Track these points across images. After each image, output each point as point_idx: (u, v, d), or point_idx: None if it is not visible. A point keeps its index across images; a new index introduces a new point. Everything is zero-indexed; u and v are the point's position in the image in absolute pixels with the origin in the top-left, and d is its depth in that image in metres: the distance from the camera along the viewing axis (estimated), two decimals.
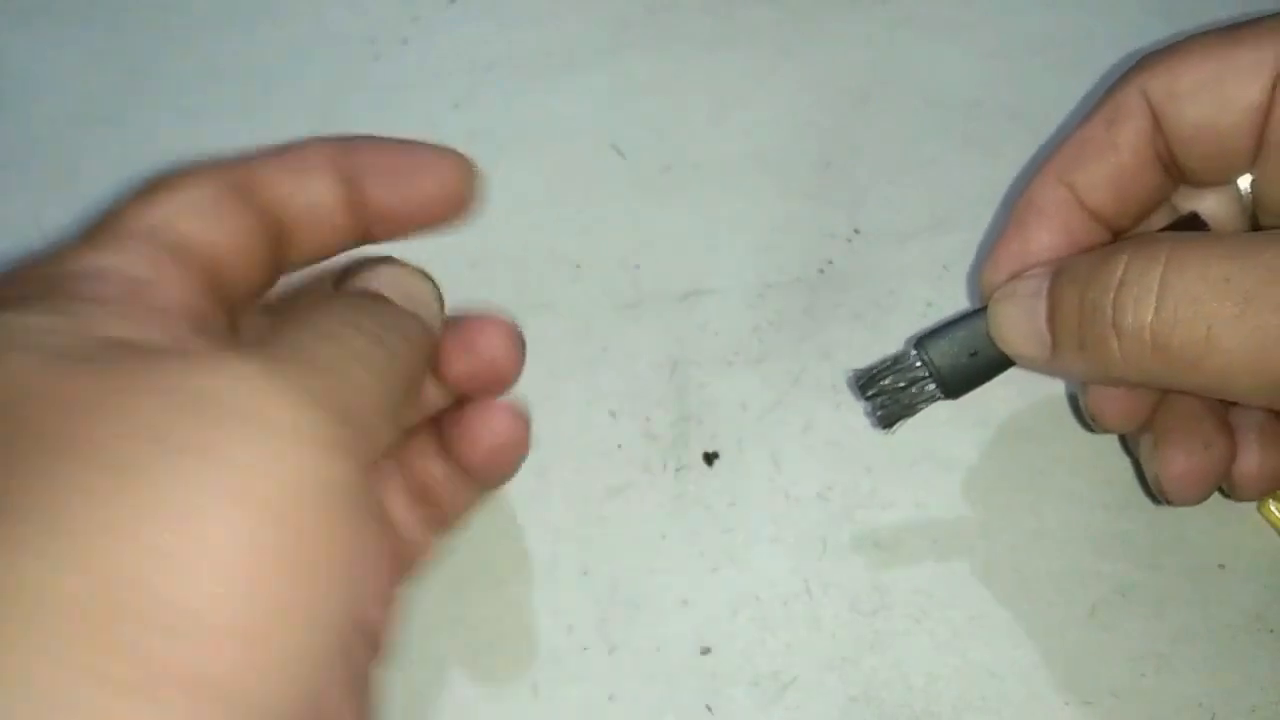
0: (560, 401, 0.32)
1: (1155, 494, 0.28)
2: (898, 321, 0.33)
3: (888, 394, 0.29)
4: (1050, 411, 0.32)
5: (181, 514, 0.16)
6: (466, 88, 0.38)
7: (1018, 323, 0.27)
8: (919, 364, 0.28)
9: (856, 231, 0.35)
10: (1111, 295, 0.24)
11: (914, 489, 0.31)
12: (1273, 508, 0.30)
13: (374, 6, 0.39)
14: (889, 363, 0.29)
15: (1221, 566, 0.30)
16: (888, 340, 0.33)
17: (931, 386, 0.28)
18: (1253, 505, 0.31)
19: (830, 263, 0.35)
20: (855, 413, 0.32)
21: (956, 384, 0.28)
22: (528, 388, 0.33)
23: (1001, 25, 0.39)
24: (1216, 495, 0.30)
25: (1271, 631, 0.29)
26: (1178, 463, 0.27)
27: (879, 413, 0.29)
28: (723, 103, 0.38)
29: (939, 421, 0.32)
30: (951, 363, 0.28)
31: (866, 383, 0.29)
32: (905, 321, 0.33)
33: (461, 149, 0.37)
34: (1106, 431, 0.30)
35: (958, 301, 0.34)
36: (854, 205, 0.35)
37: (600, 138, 0.37)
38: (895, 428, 0.29)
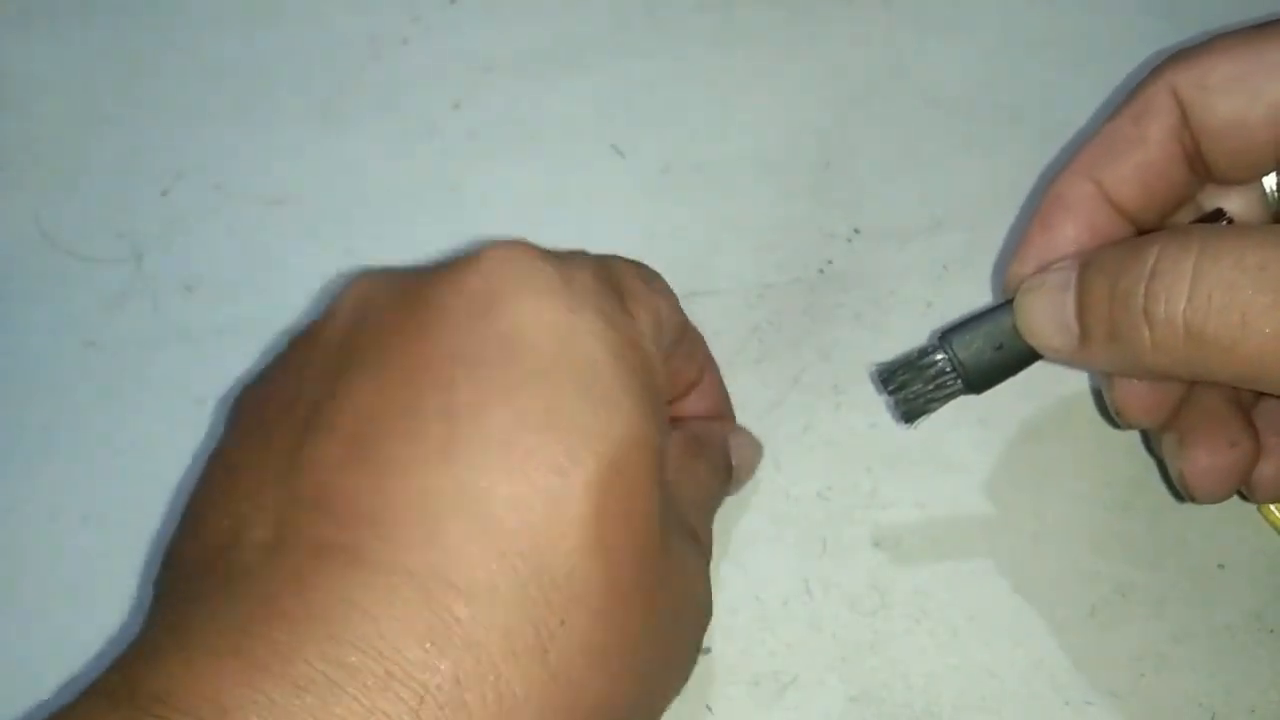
0: None
1: (1179, 491, 0.28)
2: (898, 321, 0.33)
3: (910, 388, 0.28)
4: (1051, 412, 0.32)
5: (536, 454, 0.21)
6: (466, 88, 0.38)
7: (1045, 314, 0.27)
8: (942, 358, 0.28)
9: (856, 231, 0.35)
10: (1144, 284, 0.24)
11: (914, 489, 0.31)
12: (1273, 508, 0.30)
13: (374, 6, 0.39)
14: (912, 356, 0.28)
15: (1221, 566, 0.30)
16: (888, 340, 0.33)
17: (955, 381, 0.28)
18: (1253, 505, 0.31)
19: (830, 263, 0.35)
20: (855, 412, 0.32)
21: (980, 379, 0.28)
22: None
23: (1001, 25, 0.39)
24: None
25: (1271, 631, 0.29)
26: (1202, 460, 0.27)
27: (902, 408, 0.29)
28: (723, 103, 0.38)
29: (939, 421, 0.32)
30: (976, 357, 0.28)
31: (889, 377, 0.29)
32: (905, 321, 0.33)
33: (461, 149, 0.37)
34: (1131, 427, 0.29)
35: (958, 301, 0.33)
36: (854, 205, 0.35)
37: (600, 138, 0.37)
38: (918, 422, 0.29)
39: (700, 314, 0.34)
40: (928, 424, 0.31)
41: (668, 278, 0.34)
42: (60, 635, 0.30)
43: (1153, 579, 0.30)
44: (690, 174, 0.36)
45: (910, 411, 0.29)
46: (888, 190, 0.36)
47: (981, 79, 0.38)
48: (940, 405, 0.29)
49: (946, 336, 0.28)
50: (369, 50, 0.39)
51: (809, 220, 0.35)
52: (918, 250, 0.35)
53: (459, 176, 0.36)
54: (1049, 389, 0.32)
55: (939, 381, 0.28)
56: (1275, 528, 0.30)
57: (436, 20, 0.39)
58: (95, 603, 0.30)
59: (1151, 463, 0.31)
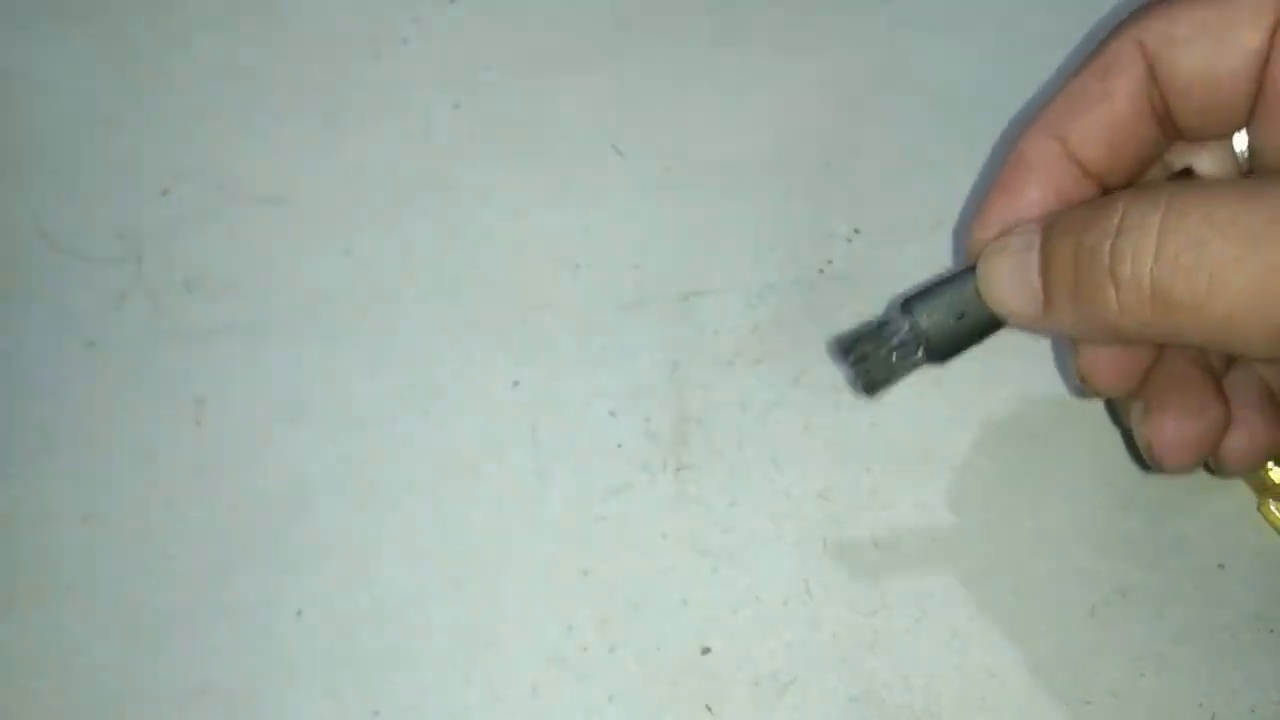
0: (560, 401, 0.32)
1: (1145, 460, 0.27)
2: None
3: (871, 360, 0.27)
4: (1050, 411, 0.32)
5: None
6: (466, 88, 0.38)
7: (1009, 278, 0.26)
8: (904, 328, 0.27)
9: (856, 231, 0.35)
10: (1109, 243, 0.23)
11: (914, 489, 0.31)
12: (1273, 508, 0.30)
13: (374, 6, 0.39)
14: (873, 327, 0.28)
15: (1221, 566, 0.30)
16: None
17: (917, 351, 0.27)
18: (1253, 505, 0.31)
19: (830, 263, 0.35)
20: (855, 412, 0.32)
21: (943, 348, 0.27)
22: (528, 387, 0.33)
23: (1001, 25, 0.39)
24: (1218, 495, 0.31)
25: (1271, 631, 0.29)
26: (1169, 428, 0.27)
27: (862, 379, 0.28)
28: (723, 103, 0.37)
29: (939, 421, 0.32)
30: (938, 326, 0.27)
31: (850, 347, 0.28)
32: None
33: (461, 149, 0.37)
34: (1097, 395, 0.29)
35: None
36: (854, 205, 0.35)
37: (600, 138, 0.37)
38: (878, 394, 0.28)
39: (700, 314, 0.34)
40: (928, 423, 0.31)
41: (668, 278, 0.34)
42: (60, 635, 0.30)
43: (1153, 579, 0.30)
44: (690, 174, 0.36)
45: (871, 383, 0.28)
46: (888, 190, 0.36)
47: (981, 79, 0.38)
48: (903, 376, 0.28)
49: (908, 305, 0.27)
50: (369, 50, 0.39)
51: (809, 220, 0.35)
52: (918, 250, 0.35)
53: (459, 177, 0.36)
54: (1049, 388, 0.32)
55: (901, 352, 0.27)
56: (1275, 528, 0.30)
57: (436, 20, 0.39)
58: (95, 603, 0.30)
59: None
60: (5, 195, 0.36)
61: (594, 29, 0.39)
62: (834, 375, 0.33)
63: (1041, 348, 0.33)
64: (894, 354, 0.27)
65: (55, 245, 0.35)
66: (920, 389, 0.32)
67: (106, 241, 0.35)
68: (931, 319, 0.27)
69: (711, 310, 0.34)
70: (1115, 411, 0.31)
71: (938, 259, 0.34)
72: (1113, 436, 0.32)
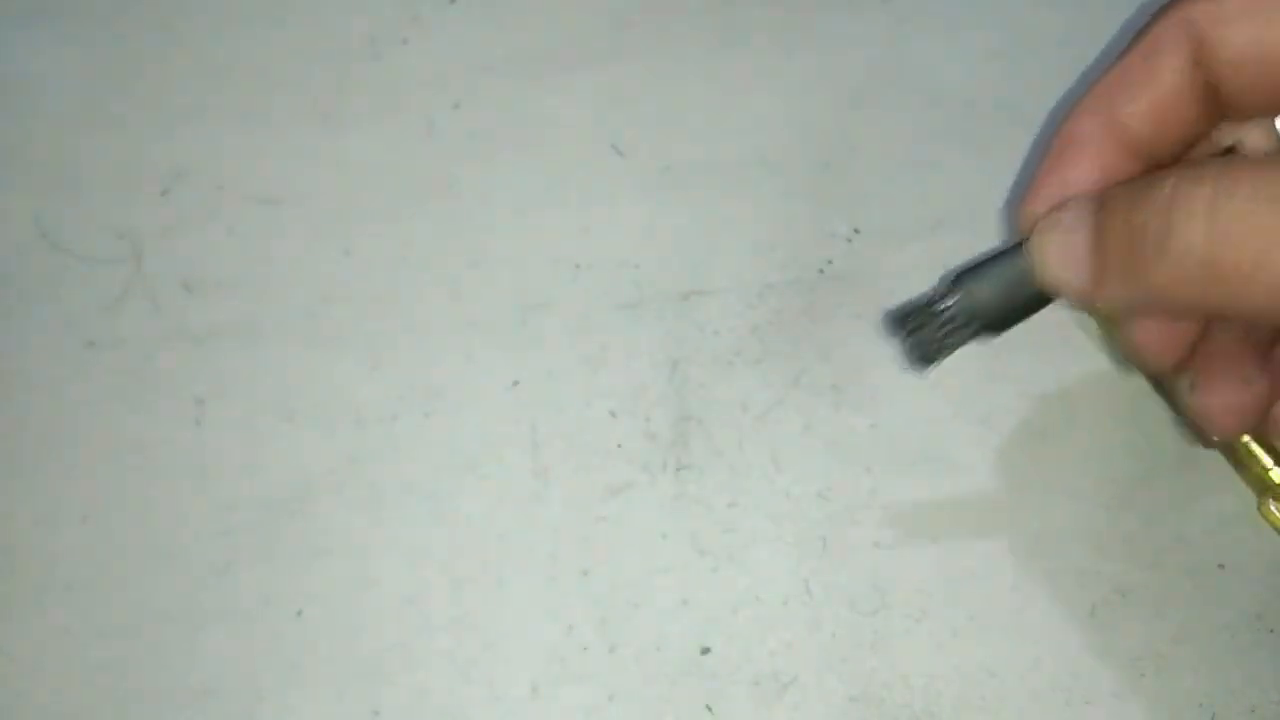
0: (560, 401, 0.32)
1: (1193, 432, 0.28)
2: None
3: (923, 334, 0.28)
4: (1052, 411, 0.32)
5: None
6: (466, 88, 0.38)
7: (1060, 253, 0.26)
8: (955, 301, 0.27)
9: (856, 231, 0.35)
10: (1160, 218, 0.24)
11: (914, 489, 0.31)
12: (1273, 508, 0.30)
13: (374, 6, 0.39)
14: (924, 301, 0.28)
15: (1221, 566, 0.30)
16: (888, 339, 0.33)
17: (968, 324, 0.27)
18: (1253, 505, 0.31)
19: (830, 263, 0.35)
20: (855, 413, 0.32)
21: (995, 321, 0.27)
22: (528, 387, 0.33)
23: (1001, 25, 0.39)
24: (1218, 495, 0.31)
25: (1271, 631, 0.29)
26: (1216, 397, 0.27)
27: (915, 353, 0.28)
28: (723, 103, 0.37)
29: (939, 421, 0.32)
30: (989, 299, 0.27)
31: (901, 320, 0.28)
32: None
33: (461, 149, 0.37)
34: (1145, 369, 0.29)
35: None
36: (854, 205, 0.35)
37: (600, 138, 0.37)
38: (930, 368, 0.28)
39: (700, 314, 0.34)
40: (928, 423, 0.31)
41: (668, 278, 0.34)
42: (60, 635, 0.30)
43: (1153, 579, 0.30)
44: (690, 174, 0.36)
45: (924, 356, 0.28)
46: (888, 190, 0.36)
47: (981, 79, 0.38)
48: (954, 350, 0.28)
49: (960, 279, 0.27)
50: (369, 50, 0.39)
51: (809, 220, 0.35)
52: (918, 250, 0.35)
53: (459, 176, 0.36)
54: (1049, 387, 0.32)
55: (952, 326, 0.27)
56: (1275, 528, 0.30)
57: (436, 20, 0.39)
58: (95, 603, 0.30)
59: (1152, 463, 0.31)
60: (5, 195, 0.36)
61: (594, 29, 0.39)
62: (834, 375, 0.33)
63: (1041, 347, 0.33)
64: (945, 328, 0.27)
65: (55, 245, 0.35)
66: (920, 389, 0.32)
67: (106, 241, 0.35)
68: (982, 293, 0.27)
69: (711, 310, 0.34)
70: (1162, 388, 0.31)
71: (938, 259, 0.34)
72: (1113, 436, 0.32)
